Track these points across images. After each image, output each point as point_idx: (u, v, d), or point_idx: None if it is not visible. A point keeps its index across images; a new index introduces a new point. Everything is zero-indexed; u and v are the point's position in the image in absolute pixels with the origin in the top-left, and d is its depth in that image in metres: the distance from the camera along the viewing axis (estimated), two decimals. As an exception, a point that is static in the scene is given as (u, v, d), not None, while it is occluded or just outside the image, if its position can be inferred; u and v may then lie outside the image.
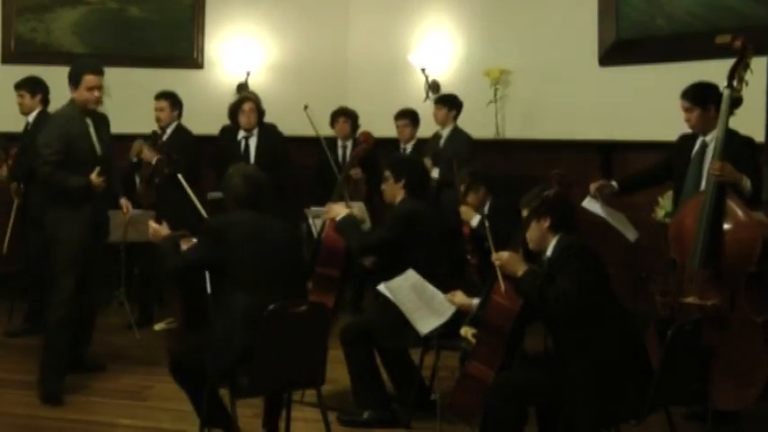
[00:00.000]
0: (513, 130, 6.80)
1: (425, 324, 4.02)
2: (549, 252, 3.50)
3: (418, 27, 7.58)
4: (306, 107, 5.63)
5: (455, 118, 6.34)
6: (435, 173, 6.01)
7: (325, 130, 6.98)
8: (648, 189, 4.95)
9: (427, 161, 5.88)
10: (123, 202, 5.25)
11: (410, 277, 4.12)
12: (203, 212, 4.81)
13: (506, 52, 6.91)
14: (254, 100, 6.31)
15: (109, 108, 6.98)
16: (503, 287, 3.52)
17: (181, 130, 6.27)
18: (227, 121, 6.82)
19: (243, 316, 3.53)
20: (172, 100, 6.26)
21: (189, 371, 3.69)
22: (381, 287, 4.10)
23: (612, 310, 3.44)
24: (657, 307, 4.32)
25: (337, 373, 4.43)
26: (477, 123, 6.55)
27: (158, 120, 6.31)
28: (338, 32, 7.99)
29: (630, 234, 5.07)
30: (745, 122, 4.35)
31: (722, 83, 4.56)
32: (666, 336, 3.29)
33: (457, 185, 5.38)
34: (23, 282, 6.03)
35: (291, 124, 6.50)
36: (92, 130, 4.76)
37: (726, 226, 3.97)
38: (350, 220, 4.44)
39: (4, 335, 5.87)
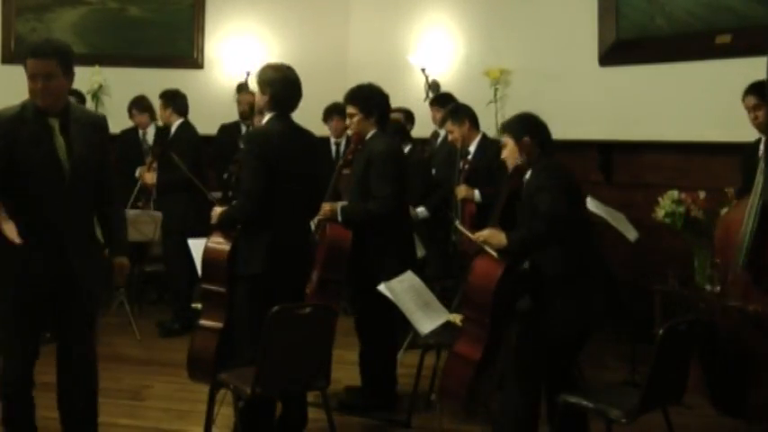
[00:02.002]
0: (513, 130, 6.80)
1: (425, 324, 4.02)
2: (527, 175, 3.70)
3: (418, 27, 7.58)
4: None
5: None
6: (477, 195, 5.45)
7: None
8: None
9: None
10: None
11: (408, 279, 4.12)
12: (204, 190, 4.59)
13: (506, 52, 6.91)
14: None
15: (109, 108, 7.03)
16: (495, 255, 3.67)
17: (184, 129, 6.26)
18: (226, 121, 6.84)
19: (266, 248, 3.77)
20: (164, 99, 6.28)
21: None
22: (382, 287, 4.11)
23: (582, 223, 3.70)
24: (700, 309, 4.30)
25: (339, 373, 4.44)
26: (477, 123, 6.54)
27: (160, 118, 6.37)
28: (338, 32, 8.00)
29: (630, 234, 5.07)
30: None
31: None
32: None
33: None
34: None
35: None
36: (57, 135, 3.36)
37: None
38: (349, 206, 4.45)
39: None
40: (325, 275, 4.38)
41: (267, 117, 3.92)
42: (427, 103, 7.01)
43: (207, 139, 6.51)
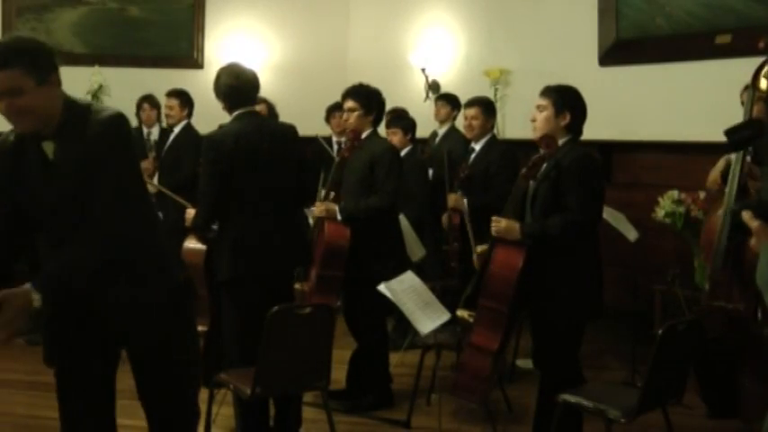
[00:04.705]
0: (514, 130, 6.81)
1: (425, 324, 4.03)
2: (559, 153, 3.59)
3: (418, 27, 7.59)
4: None
5: (454, 118, 6.34)
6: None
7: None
8: None
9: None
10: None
11: (408, 279, 4.12)
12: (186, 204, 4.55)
13: (506, 52, 6.91)
14: (265, 101, 6.31)
15: (109, 108, 7.02)
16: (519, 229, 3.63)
17: (188, 130, 6.28)
18: (226, 121, 6.82)
19: (231, 243, 3.70)
20: (182, 99, 6.28)
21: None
22: (382, 287, 4.11)
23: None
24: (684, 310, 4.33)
25: (339, 373, 4.43)
26: (477, 123, 6.54)
27: (168, 117, 6.35)
28: (338, 32, 8.00)
29: (630, 234, 5.08)
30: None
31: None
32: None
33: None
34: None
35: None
36: (46, 164, 2.48)
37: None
38: (349, 205, 4.43)
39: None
40: (324, 272, 4.40)
41: (231, 118, 3.90)
42: (427, 102, 7.02)
43: (207, 139, 6.52)
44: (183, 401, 2.81)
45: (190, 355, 2.78)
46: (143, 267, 2.59)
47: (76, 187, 2.43)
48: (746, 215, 1.99)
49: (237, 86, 3.84)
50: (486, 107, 5.35)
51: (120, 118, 2.48)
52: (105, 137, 2.43)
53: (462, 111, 5.63)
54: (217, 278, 3.84)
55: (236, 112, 3.86)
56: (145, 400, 2.84)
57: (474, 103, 5.38)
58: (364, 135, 4.50)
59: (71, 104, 2.50)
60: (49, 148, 2.46)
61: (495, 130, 5.60)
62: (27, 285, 2.37)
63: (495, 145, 5.36)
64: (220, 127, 6.74)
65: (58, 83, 2.48)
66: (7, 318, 2.34)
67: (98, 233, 2.44)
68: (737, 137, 3.75)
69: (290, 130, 3.98)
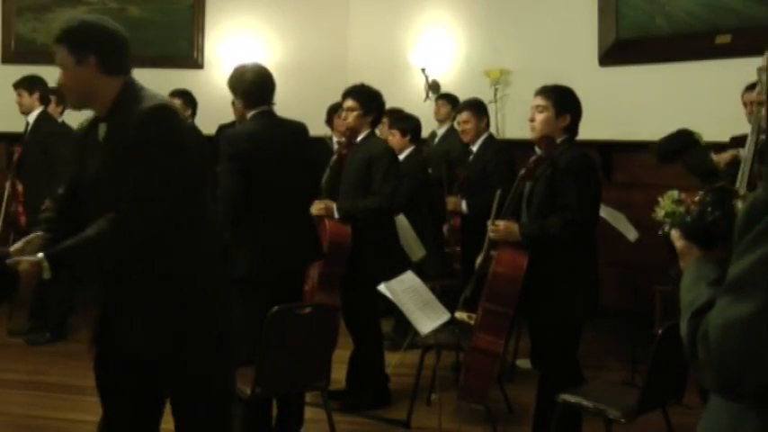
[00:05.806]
0: (514, 130, 6.80)
1: (425, 324, 4.03)
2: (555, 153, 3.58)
3: (418, 27, 7.59)
4: None
5: (454, 118, 6.34)
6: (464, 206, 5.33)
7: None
8: None
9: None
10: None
11: (408, 279, 4.12)
12: None
13: (506, 52, 6.91)
14: None
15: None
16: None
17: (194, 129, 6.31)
18: (226, 122, 6.83)
19: (249, 242, 3.69)
20: (185, 99, 6.30)
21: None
22: (382, 287, 4.11)
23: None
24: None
25: (339, 373, 4.43)
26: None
27: None
28: (338, 32, 8.00)
29: (630, 234, 5.07)
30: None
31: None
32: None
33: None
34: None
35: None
36: (96, 144, 2.56)
37: None
38: (347, 204, 4.44)
39: (6, 334, 5.86)
40: (326, 270, 4.40)
41: (248, 117, 3.91)
42: (427, 102, 7.02)
43: (207, 139, 6.52)
44: (213, 407, 2.69)
45: (214, 361, 2.66)
46: (159, 268, 2.50)
47: (111, 172, 2.46)
48: (674, 233, 1.75)
49: (261, 84, 3.86)
50: (475, 109, 5.35)
51: (158, 110, 2.50)
52: (141, 129, 2.43)
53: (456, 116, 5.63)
54: (232, 274, 3.82)
55: (252, 112, 3.87)
56: (172, 408, 2.72)
57: (464, 107, 5.40)
58: (362, 135, 4.51)
59: (128, 90, 2.61)
60: (102, 129, 2.55)
61: (493, 129, 5.59)
62: (40, 255, 2.38)
63: (491, 144, 5.36)
64: (220, 127, 6.81)
65: (101, 67, 2.57)
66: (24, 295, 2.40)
67: (121, 224, 2.40)
68: (663, 149, 3.72)
69: (302, 128, 4.00)
